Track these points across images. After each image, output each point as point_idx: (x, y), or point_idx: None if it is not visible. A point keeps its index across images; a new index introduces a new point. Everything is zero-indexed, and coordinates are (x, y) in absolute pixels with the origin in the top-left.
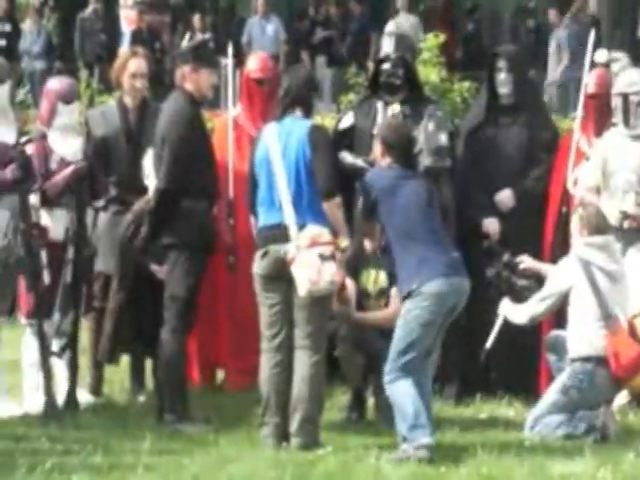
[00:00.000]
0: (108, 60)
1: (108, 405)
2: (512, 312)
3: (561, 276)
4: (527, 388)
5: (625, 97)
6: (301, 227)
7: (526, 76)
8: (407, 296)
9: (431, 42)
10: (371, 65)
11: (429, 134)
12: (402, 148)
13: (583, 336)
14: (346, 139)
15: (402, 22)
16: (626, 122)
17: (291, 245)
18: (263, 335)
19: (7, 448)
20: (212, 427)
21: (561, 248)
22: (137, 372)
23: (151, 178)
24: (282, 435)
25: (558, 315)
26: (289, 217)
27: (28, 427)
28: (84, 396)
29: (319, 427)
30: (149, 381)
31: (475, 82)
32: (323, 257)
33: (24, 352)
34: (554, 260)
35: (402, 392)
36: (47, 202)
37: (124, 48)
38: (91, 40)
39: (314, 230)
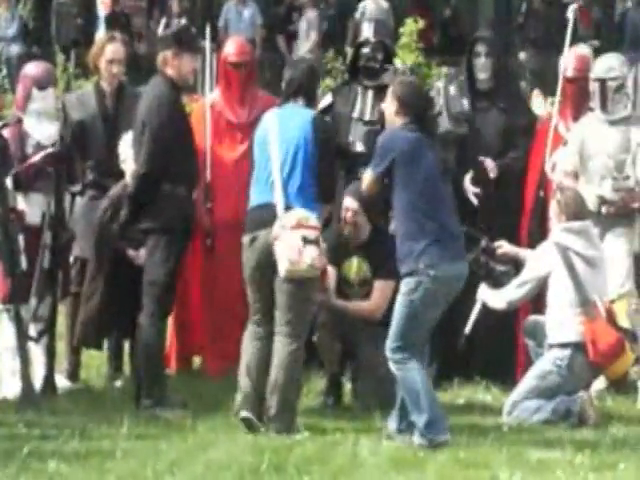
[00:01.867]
0: (84, 44)
1: (85, 390)
2: (490, 297)
3: (540, 262)
4: (504, 374)
5: (603, 82)
6: (288, 208)
7: (504, 61)
8: (411, 273)
9: (409, 27)
10: (349, 50)
11: (451, 97)
12: (420, 108)
13: (561, 322)
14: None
15: (372, 7)
16: (603, 107)
17: (277, 224)
18: (250, 317)
19: None
20: (190, 412)
21: (537, 233)
22: (115, 357)
23: (128, 163)
24: (255, 402)
25: (535, 301)
26: (278, 197)
27: (5, 412)
28: (61, 381)
29: (296, 413)
30: (127, 366)
31: (453, 67)
32: (306, 240)
33: (1, 337)
34: (530, 245)
35: (413, 379)
36: (20, 186)
37: (100, 32)
38: (67, 24)
39: (301, 212)
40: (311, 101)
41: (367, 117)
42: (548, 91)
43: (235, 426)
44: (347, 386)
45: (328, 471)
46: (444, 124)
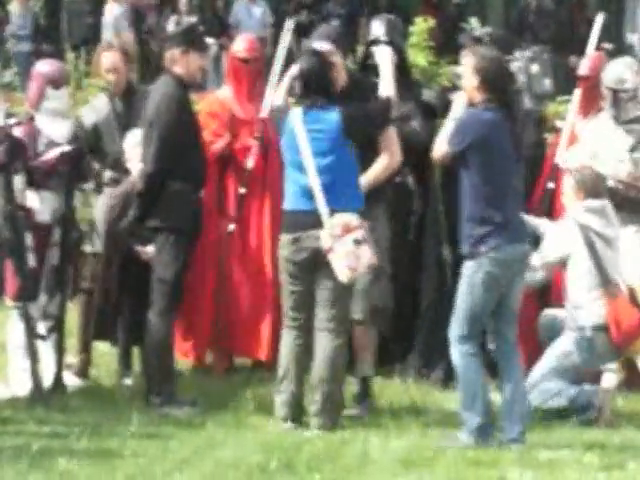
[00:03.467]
0: (95, 43)
1: (95, 388)
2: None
3: (560, 242)
4: None
5: (614, 92)
6: (331, 212)
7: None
8: (472, 256)
9: (420, 26)
10: (360, 49)
11: (534, 76)
12: (503, 85)
13: (582, 303)
14: None
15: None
16: (616, 114)
17: (324, 234)
18: (286, 314)
19: None
20: (199, 410)
21: None
22: (124, 355)
23: (133, 162)
24: (296, 406)
25: (541, 296)
26: (321, 205)
27: (14, 410)
28: (71, 379)
29: (341, 408)
30: (136, 364)
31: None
32: (358, 242)
33: (10, 335)
34: None
35: (475, 378)
36: (34, 183)
37: (107, 32)
38: (78, 22)
39: (344, 217)
40: (329, 94)
41: None
42: (559, 89)
43: (244, 424)
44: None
45: (338, 469)
46: (526, 103)
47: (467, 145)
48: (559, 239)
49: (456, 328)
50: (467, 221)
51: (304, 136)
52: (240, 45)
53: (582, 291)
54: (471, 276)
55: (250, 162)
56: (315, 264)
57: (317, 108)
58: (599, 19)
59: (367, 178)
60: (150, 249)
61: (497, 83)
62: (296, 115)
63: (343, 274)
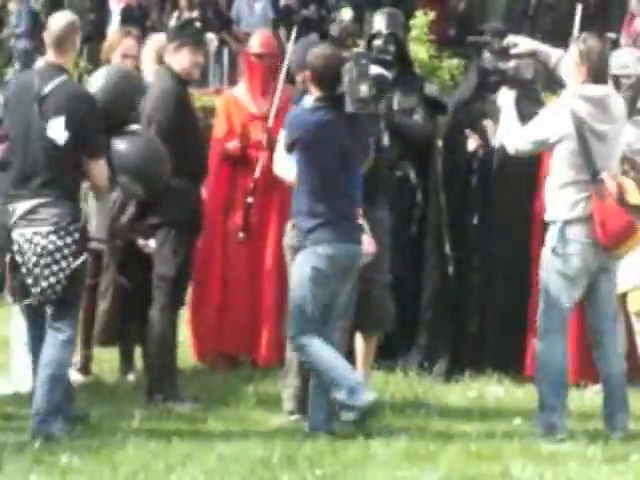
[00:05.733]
0: (97, 39)
1: (97, 384)
2: (505, 125)
3: (552, 125)
4: (517, 366)
5: (616, 79)
6: None
7: None
8: (301, 248)
9: (420, 19)
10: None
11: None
12: (331, 81)
13: (565, 197)
14: None
15: None
16: None
17: None
18: None
19: None
20: (201, 406)
21: None
22: (126, 351)
23: None
24: (302, 399)
25: None
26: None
27: (17, 406)
28: (73, 375)
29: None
30: (138, 360)
31: (464, 59)
32: None
33: (14, 331)
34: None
35: (319, 360)
36: None
37: (114, 26)
38: (80, 19)
39: None
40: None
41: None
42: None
43: (246, 419)
44: None
45: (340, 464)
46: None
47: (291, 143)
48: (551, 118)
49: (291, 324)
50: (297, 214)
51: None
52: (255, 41)
53: (566, 185)
54: (299, 269)
55: (257, 172)
56: None
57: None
58: (579, 10)
59: None
60: (152, 243)
61: (326, 81)
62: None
63: None
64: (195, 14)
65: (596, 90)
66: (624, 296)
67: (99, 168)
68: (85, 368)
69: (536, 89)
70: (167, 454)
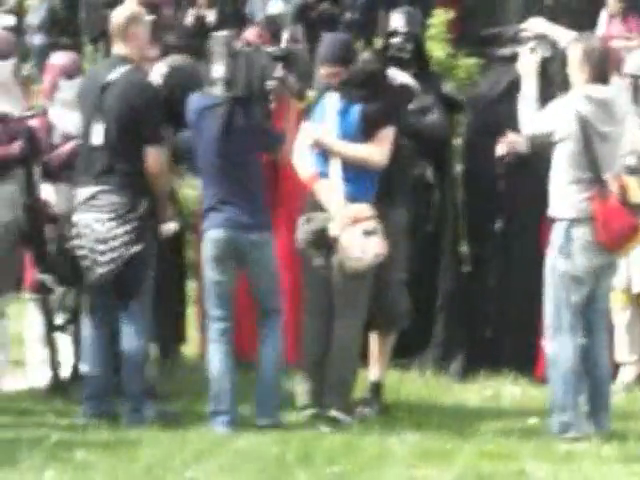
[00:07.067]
0: None
1: None
2: (522, 105)
3: (557, 122)
4: (533, 365)
5: (635, 79)
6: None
7: None
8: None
9: (439, 18)
10: (379, 41)
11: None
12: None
13: (570, 196)
14: None
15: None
16: (635, 102)
17: (334, 224)
18: (305, 298)
19: (12, 422)
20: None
21: None
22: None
23: None
24: (317, 394)
25: None
26: (338, 192)
27: (33, 401)
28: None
29: (351, 393)
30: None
31: (482, 58)
32: (367, 232)
33: (29, 327)
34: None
35: (219, 369)
36: (48, 176)
37: None
38: (96, 15)
39: (355, 207)
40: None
41: None
42: None
43: None
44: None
45: (355, 462)
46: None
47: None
48: (558, 115)
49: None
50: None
51: (335, 123)
52: (250, 33)
53: (568, 183)
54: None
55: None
56: (327, 247)
57: (351, 100)
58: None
59: (345, 145)
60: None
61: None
62: (332, 100)
63: (349, 263)
64: (212, 12)
65: (600, 91)
66: (638, 297)
67: (154, 154)
68: None
69: (554, 68)
70: (183, 450)
